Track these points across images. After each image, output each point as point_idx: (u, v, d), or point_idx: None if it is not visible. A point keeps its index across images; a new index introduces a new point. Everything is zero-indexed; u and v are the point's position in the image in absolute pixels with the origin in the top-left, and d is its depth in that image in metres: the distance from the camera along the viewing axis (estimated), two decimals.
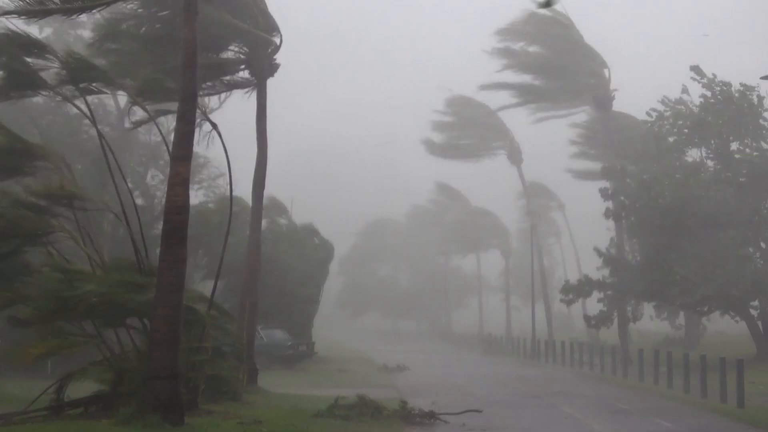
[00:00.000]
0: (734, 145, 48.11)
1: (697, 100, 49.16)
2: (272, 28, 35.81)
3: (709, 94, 48.29)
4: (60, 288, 24.51)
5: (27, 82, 26.45)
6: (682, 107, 49.70)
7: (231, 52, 36.55)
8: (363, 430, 24.35)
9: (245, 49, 36.15)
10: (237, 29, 34.82)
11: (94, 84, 27.47)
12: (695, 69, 48.98)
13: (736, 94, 47.41)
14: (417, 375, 48.22)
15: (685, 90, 50.14)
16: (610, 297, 50.28)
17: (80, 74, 26.51)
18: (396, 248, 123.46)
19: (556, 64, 58.16)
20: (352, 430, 24.26)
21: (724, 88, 47.87)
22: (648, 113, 50.90)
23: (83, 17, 32.45)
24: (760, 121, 47.40)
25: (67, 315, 24.50)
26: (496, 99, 67.18)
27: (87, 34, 39.00)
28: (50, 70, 27.15)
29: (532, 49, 60.25)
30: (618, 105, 57.38)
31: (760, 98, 47.38)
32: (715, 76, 48.46)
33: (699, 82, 48.81)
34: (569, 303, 53.62)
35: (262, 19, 35.41)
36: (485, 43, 61.66)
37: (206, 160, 54.16)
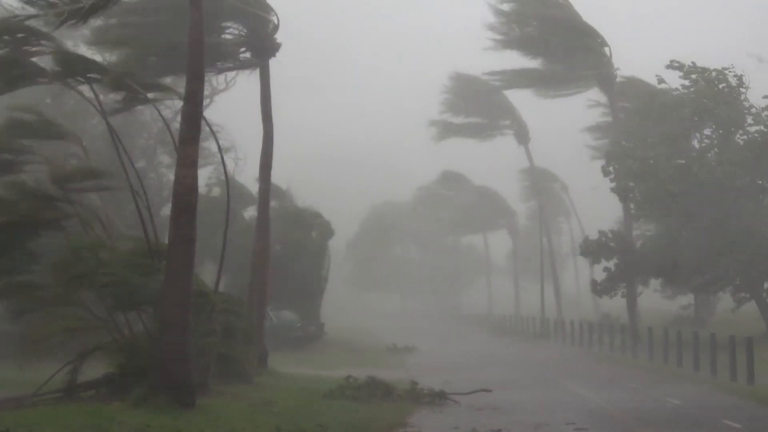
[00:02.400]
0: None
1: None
2: (267, 8, 35.84)
3: (687, 83, 48.00)
4: (77, 261, 24.65)
5: (26, 74, 26.49)
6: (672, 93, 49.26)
7: (231, 35, 36.63)
8: (373, 411, 24.37)
9: (245, 30, 36.21)
10: (233, 10, 34.87)
11: (90, 75, 27.47)
12: (672, 64, 48.56)
13: (716, 81, 47.01)
14: (426, 355, 48.28)
15: (661, 80, 49.72)
16: (619, 267, 50.08)
17: (73, 67, 26.58)
18: (404, 229, 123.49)
19: (556, 45, 57.79)
20: (363, 411, 24.29)
21: (705, 75, 47.52)
22: (658, 79, 50.47)
23: None
24: (744, 102, 47.02)
25: (82, 286, 24.58)
26: (500, 81, 66.59)
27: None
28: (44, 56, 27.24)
29: (531, 30, 59.78)
30: (625, 70, 57.29)
31: (740, 77, 47.09)
32: (693, 64, 48.12)
33: (679, 71, 48.39)
34: (596, 259, 52.69)
35: (255, 2, 35.49)
36: (483, 28, 61.22)
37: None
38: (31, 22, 25.60)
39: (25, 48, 26.16)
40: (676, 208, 46.13)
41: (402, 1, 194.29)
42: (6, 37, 25.71)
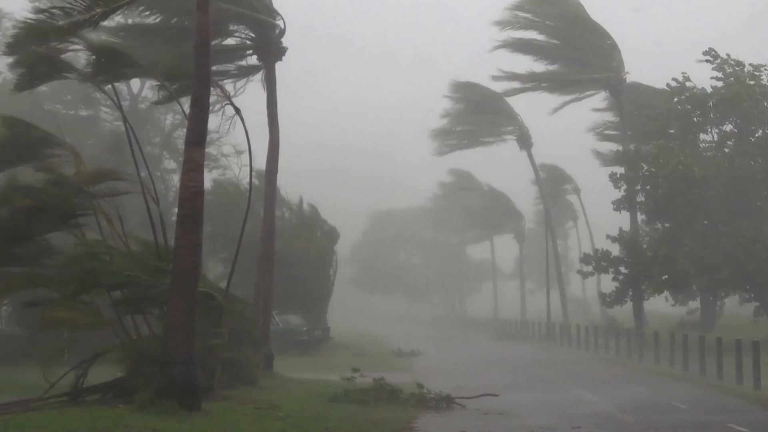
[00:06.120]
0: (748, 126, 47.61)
1: (700, 85, 48.77)
2: (273, 12, 35.87)
3: (721, 74, 47.74)
4: (89, 261, 24.66)
5: (54, 70, 26.58)
6: (694, 90, 49.04)
7: (237, 39, 36.68)
8: (379, 414, 24.37)
9: (251, 35, 36.28)
10: (239, 15, 34.92)
11: (123, 70, 27.62)
12: (709, 52, 48.33)
13: (747, 77, 46.84)
14: (432, 359, 48.25)
15: (686, 78, 49.49)
16: (626, 275, 50.14)
17: (108, 60, 26.67)
18: (408, 234, 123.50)
19: (567, 47, 57.53)
20: (368, 414, 24.29)
21: (737, 69, 47.35)
22: (668, 85, 50.35)
23: None
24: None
25: (95, 287, 24.57)
26: (505, 87, 66.32)
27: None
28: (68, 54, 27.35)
29: (541, 31, 59.34)
30: (635, 76, 57.15)
31: None
32: (728, 56, 47.92)
33: (712, 63, 48.15)
34: (586, 275, 53.56)
35: (261, 6, 35.52)
36: (493, 30, 60.94)
37: (219, 136, 53.70)
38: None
39: (55, 45, 26.23)
40: (689, 195, 45.79)
41: (407, 5, 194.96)
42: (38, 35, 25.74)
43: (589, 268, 52.43)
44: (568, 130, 79.99)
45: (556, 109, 63.02)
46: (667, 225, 49.08)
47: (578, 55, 57.29)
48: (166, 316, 23.47)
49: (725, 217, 45.70)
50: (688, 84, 49.01)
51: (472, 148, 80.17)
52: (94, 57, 26.70)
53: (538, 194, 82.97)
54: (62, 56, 26.84)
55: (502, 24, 59.41)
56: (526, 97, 65.41)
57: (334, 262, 56.61)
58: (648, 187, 48.75)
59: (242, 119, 28.64)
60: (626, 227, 53.14)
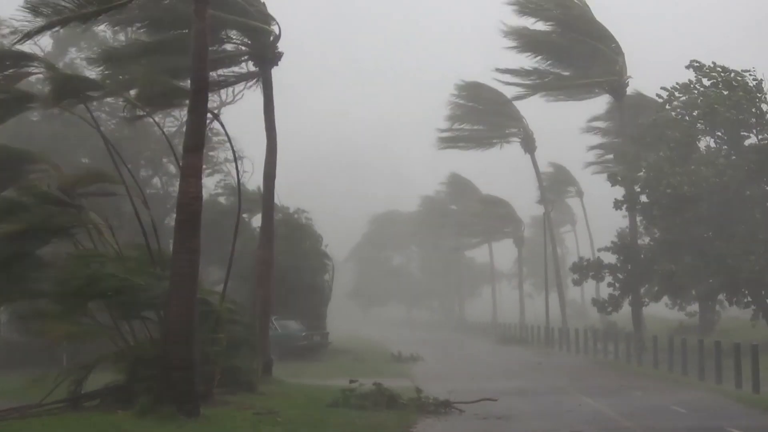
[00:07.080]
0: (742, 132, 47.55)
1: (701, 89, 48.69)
2: (268, 18, 35.89)
3: (708, 83, 47.79)
4: (84, 269, 24.66)
5: (15, 102, 26.63)
6: (686, 96, 48.95)
7: (233, 45, 36.70)
8: (378, 419, 24.36)
9: (247, 41, 36.27)
10: (235, 21, 34.99)
11: (87, 93, 27.64)
12: (693, 65, 48.37)
13: (734, 83, 46.75)
14: (431, 364, 48.22)
15: (691, 83, 49.43)
16: (621, 281, 50.15)
17: (68, 87, 26.72)
18: (407, 238, 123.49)
19: (571, 50, 57.32)
20: (367, 419, 24.28)
21: (724, 75, 47.29)
22: (658, 95, 50.38)
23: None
24: (763, 106, 46.72)
25: (90, 295, 24.55)
26: (509, 89, 66.16)
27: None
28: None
29: (545, 31, 59.07)
30: (634, 84, 57.07)
31: (759, 81, 46.81)
32: (714, 64, 47.92)
33: (699, 74, 48.19)
34: (577, 283, 53.68)
35: (256, 12, 35.57)
36: (495, 30, 60.76)
37: (220, 141, 53.53)
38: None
39: (15, 72, 26.24)
40: (683, 213, 45.89)
41: (409, 5, 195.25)
42: None
43: (577, 276, 52.68)
44: (569, 133, 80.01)
45: (554, 102, 62.91)
46: (663, 231, 49.08)
47: (581, 58, 57.10)
48: (165, 321, 23.48)
49: (718, 229, 45.67)
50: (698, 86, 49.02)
51: (475, 149, 79.59)
52: (53, 86, 26.76)
53: (539, 198, 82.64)
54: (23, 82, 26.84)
55: (505, 24, 59.37)
56: (527, 99, 65.40)
57: (331, 267, 56.53)
58: (646, 199, 48.79)
59: (223, 126, 28.84)
60: (626, 230, 53.21)
